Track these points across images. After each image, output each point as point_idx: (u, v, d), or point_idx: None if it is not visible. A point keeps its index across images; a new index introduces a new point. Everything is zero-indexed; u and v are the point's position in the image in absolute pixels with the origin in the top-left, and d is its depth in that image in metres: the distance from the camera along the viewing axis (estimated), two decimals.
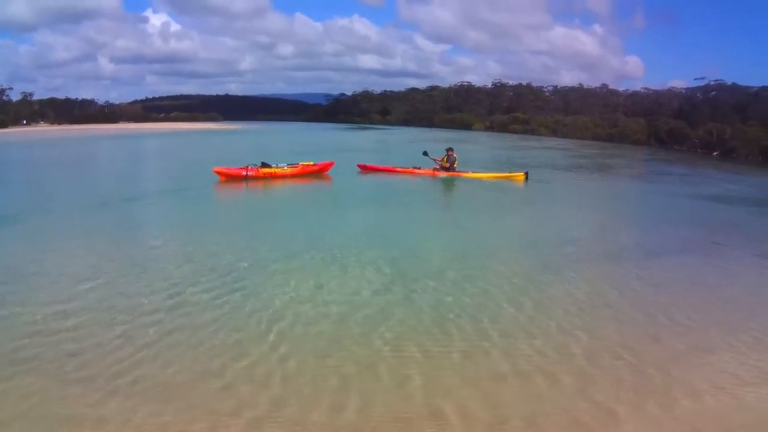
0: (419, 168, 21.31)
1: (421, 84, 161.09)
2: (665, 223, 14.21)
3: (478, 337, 6.25)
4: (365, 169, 22.03)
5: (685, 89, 73.39)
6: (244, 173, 18.28)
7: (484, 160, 30.22)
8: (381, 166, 22.11)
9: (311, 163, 20.30)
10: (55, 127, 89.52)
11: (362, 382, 5.19)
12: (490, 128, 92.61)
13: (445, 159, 21.21)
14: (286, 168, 19.41)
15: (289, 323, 6.52)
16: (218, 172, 18.23)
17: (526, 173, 21.35)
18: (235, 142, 51.18)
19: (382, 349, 5.88)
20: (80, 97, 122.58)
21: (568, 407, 4.84)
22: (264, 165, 18.95)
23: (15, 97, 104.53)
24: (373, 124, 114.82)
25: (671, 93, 74.69)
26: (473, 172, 21.47)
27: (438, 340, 6.15)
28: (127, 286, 7.67)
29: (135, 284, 7.77)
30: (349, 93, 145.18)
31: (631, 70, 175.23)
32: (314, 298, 7.39)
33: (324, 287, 7.80)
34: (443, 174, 20.94)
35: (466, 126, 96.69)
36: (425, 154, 21.49)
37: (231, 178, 18.15)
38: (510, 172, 22.17)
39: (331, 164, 20.77)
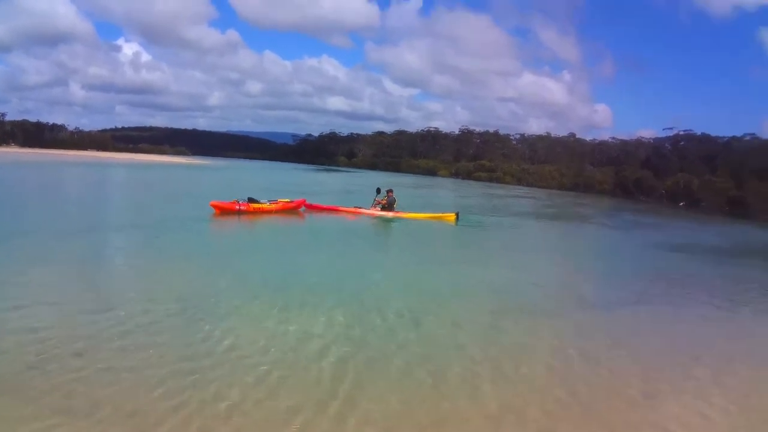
0: (361, 207, 22.29)
1: (389, 128, 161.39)
2: (624, 274, 14.36)
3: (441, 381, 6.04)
4: (310, 207, 22.50)
5: (654, 139, 73.87)
6: (237, 207, 19.49)
7: (450, 206, 28.85)
8: (326, 206, 22.99)
9: (288, 200, 21.87)
10: (26, 150, 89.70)
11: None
12: (456, 175, 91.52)
13: (385, 199, 22.01)
14: (270, 204, 20.82)
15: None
16: (214, 206, 19.32)
17: (457, 214, 22.45)
18: (209, 178, 51.33)
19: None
20: (51, 122, 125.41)
21: None
22: (251, 200, 20.23)
23: None
24: (339, 166, 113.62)
25: (639, 143, 75.05)
26: (409, 212, 22.41)
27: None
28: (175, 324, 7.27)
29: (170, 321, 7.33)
30: (316, 134, 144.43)
31: (599, 119, 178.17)
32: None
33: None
34: (384, 213, 21.65)
35: (432, 172, 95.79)
36: (378, 191, 22.62)
37: (225, 212, 19.31)
38: (443, 213, 23.09)
39: (303, 202, 22.40)
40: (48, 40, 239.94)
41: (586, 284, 12.49)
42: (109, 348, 6.17)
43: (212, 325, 7.13)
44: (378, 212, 21.63)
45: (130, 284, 9.18)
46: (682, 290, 12.22)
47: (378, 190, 22.76)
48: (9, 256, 10.40)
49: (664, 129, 75.11)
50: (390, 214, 21.48)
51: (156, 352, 6.15)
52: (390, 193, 22.04)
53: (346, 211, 22.29)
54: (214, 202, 19.60)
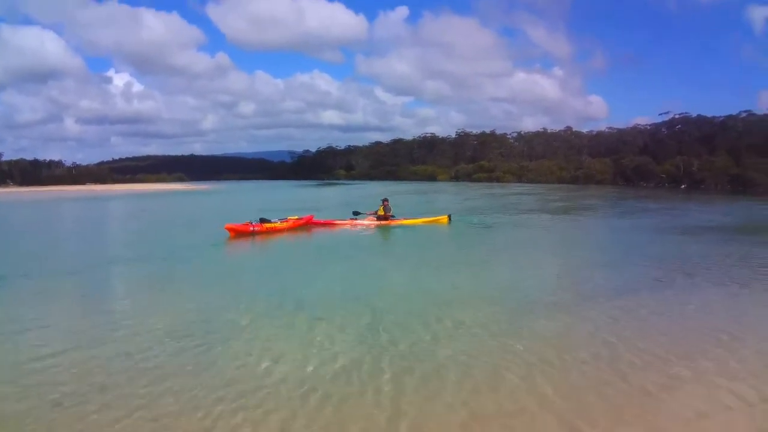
0: (355, 219, 22.77)
1: (384, 137, 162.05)
2: (638, 261, 14.01)
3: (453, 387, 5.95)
4: (314, 224, 22.91)
5: (650, 125, 73.85)
6: (251, 229, 19.84)
7: (451, 209, 27.77)
8: (324, 221, 23.33)
9: (297, 217, 22.25)
10: (24, 189, 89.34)
11: None
12: (455, 178, 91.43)
13: (381, 209, 22.26)
14: (281, 223, 21.22)
15: None
16: (229, 229, 19.58)
17: (449, 216, 23.27)
18: (212, 202, 50.48)
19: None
20: (47, 159, 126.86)
21: None
22: (263, 220, 20.59)
23: None
24: (338, 179, 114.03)
25: (636, 130, 74.90)
26: (405, 218, 22.76)
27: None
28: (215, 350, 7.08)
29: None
30: (312, 149, 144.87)
31: (594, 111, 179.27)
32: None
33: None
34: (380, 222, 22.02)
35: (431, 177, 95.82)
36: (356, 213, 23.02)
37: (239, 234, 19.58)
38: (436, 216, 23.71)
39: (311, 218, 22.80)
40: (39, 76, 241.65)
41: (604, 274, 12.23)
42: (143, 381, 5.95)
43: (257, 353, 6.88)
44: (375, 222, 21.92)
45: (159, 315, 8.81)
46: (698, 272, 12.03)
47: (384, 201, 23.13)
48: (26, 297, 10.26)
49: (659, 114, 75.76)
50: (385, 223, 21.79)
51: (196, 381, 5.92)
52: (386, 203, 22.37)
53: (343, 224, 22.64)
54: (228, 225, 19.77)
